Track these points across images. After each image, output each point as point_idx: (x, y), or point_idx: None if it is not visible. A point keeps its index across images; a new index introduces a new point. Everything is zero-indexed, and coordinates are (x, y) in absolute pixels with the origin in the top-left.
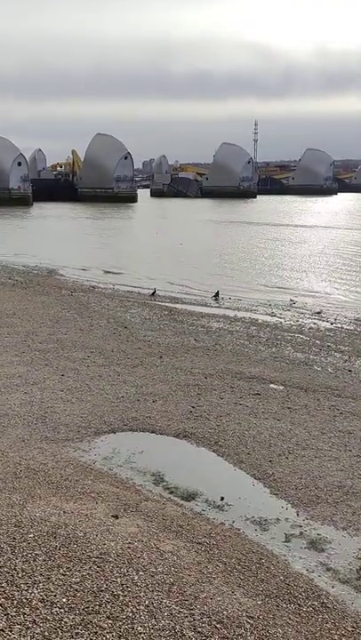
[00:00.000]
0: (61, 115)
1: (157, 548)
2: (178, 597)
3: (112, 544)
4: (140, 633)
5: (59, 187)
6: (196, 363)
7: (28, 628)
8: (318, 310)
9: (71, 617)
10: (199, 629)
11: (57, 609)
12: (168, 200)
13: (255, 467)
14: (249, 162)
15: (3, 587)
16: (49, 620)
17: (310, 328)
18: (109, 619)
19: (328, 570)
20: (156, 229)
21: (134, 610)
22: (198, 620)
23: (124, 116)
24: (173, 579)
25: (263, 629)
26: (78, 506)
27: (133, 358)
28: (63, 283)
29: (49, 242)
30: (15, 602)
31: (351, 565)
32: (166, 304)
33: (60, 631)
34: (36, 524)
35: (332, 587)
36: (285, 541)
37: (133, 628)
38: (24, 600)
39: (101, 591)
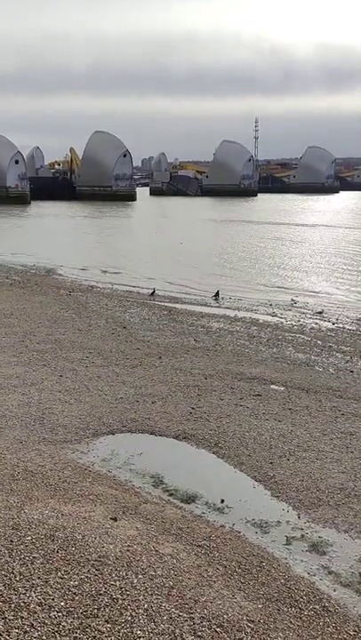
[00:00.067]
0: (59, 112)
1: (157, 550)
2: (177, 601)
3: (111, 547)
4: (140, 637)
5: (57, 185)
6: (196, 363)
7: (25, 632)
8: (320, 310)
9: (69, 621)
10: (199, 633)
11: (55, 612)
12: (167, 198)
13: (256, 468)
14: (250, 160)
15: (0, 590)
16: (47, 624)
17: (312, 328)
18: (108, 622)
19: (330, 573)
20: (155, 228)
21: (133, 613)
22: (198, 624)
23: (123, 113)
24: (173, 582)
25: (264, 633)
26: (77, 508)
27: (132, 359)
28: (61, 282)
29: (47, 241)
30: (13, 605)
31: (353, 569)
32: (166, 304)
33: (58, 635)
34: (33, 526)
35: (334, 590)
36: (286, 544)
37: (132, 632)
38: (22, 604)
39: (100, 595)
